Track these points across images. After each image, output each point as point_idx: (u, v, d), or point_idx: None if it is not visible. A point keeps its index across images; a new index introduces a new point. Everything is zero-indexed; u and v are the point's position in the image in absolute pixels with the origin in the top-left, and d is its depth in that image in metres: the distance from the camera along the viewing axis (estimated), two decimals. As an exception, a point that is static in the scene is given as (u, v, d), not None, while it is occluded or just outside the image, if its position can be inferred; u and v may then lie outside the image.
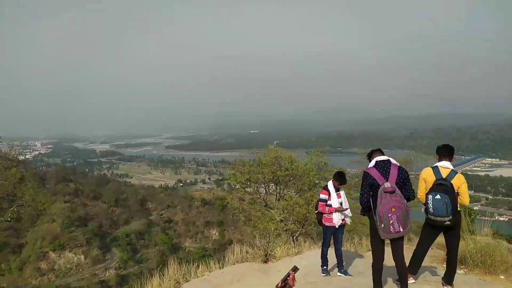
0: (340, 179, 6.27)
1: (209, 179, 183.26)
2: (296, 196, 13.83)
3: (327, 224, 6.30)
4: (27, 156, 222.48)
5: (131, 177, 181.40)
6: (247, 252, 9.52)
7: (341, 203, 6.28)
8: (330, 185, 6.36)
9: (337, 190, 6.33)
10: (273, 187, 15.63)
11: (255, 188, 15.49)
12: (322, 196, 6.33)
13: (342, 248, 6.63)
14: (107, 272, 60.88)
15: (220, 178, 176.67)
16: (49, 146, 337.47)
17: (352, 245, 9.86)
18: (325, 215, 6.31)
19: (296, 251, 8.76)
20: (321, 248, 6.51)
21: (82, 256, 61.78)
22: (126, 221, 78.73)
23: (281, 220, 14.00)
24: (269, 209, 14.72)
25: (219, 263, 8.81)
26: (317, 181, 13.91)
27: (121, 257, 64.67)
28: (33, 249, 59.23)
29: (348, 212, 6.38)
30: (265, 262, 8.59)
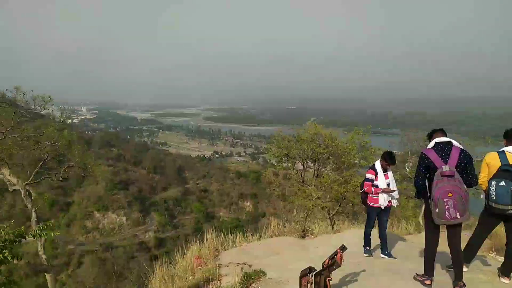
0: (389, 159, 6.03)
1: (245, 152, 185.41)
2: (335, 174, 13.63)
3: (372, 204, 6.17)
4: (74, 120, 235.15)
5: (169, 146, 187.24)
6: (284, 226, 9.65)
7: (388, 184, 6.10)
8: (378, 164, 6.17)
9: (384, 170, 6.12)
10: (311, 164, 15.51)
11: (292, 164, 15.45)
12: (369, 175, 6.17)
13: None
14: (146, 234, 64.37)
15: (256, 151, 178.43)
16: (94, 111, 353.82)
17: (392, 227, 9.69)
18: (370, 195, 6.16)
19: (334, 229, 8.73)
20: (364, 228, 6.44)
21: (124, 218, 65.61)
22: (164, 187, 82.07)
23: (318, 197, 13.94)
24: (306, 185, 14.68)
25: (256, 234, 9.01)
26: (357, 161, 13.61)
27: (159, 221, 67.96)
28: (79, 208, 63.61)
29: (395, 194, 6.17)
30: (302, 237, 8.67)
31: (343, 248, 4.34)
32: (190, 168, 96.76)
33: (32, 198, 8.86)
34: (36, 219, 8.28)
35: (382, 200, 6.06)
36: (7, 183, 8.87)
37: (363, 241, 6.40)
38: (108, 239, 60.45)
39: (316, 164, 14.52)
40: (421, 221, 15.32)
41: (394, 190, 6.16)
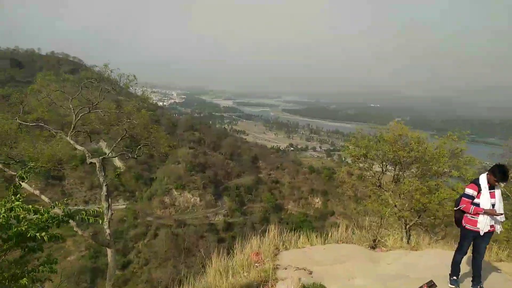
0: (500, 174, 4.77)
1: (320, 147, 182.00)
2: (418, 182, 12.12)
3: (468, 227, 5.01)
4: (164, 103, 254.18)
5: (247, 134, 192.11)
6: (353, 233, 8.78)
7: (493, 205, 4.88)
8: (483, 179, 4.96)
9: (491, 187, 4.91)
10: (391, 167, 14.10)
11: (369, 165, 14.20)
12: (469, 191, 5.00)
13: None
14: (216, 216, 66.96)
15: (332, 148, 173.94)
16: (183, 96, 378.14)
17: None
18: (468, 215, 5.01)
19: (412, 245, 7.61)
20: (454, 253, 5.29)
21: (198, 198, 68.99)
22: (238, 174, 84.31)
23: (395, 205, 12.62)
24: (383, 190, 13.39)
25: (321, 237, 8.32)
26: (447, 169, 11.92)
27: (229, 206, 70.20)
28: (160, 184, 68.43)
29: (501, 217, 4.95)
30: (373, 248, 7.75)
31: (431, 285, 3.44)
32: (265, 158, 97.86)
33: (106, 172, 9.28)
34: (106, 194, 8.64)
35: (483, 224, 4.88)
36: (87, 155, 9.44)
37: (449, 268, 5.25)
38: (182, 216, 64.17)
39: (397, 168, 13.13)
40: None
41: (501, 214, 4.93)
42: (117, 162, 68.02)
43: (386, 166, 13.40)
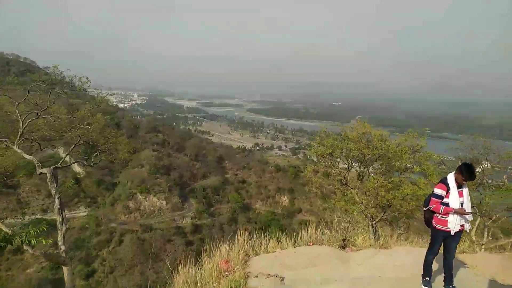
0: (468, 173, 4.78)
1: (286, 146, 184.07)
2: (382, 178, 12.36)
3: (439, 227, 4.98)
4: (125, 105, 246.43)
5: (212, 135, 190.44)
6: (322, 233, 8.70)
7: (462, 203, 4.89)
8: (451, 178, 4.95)
9: (459, 186, 4.91)
10: (356, 164, 14.32)
11: (335, 163, 14.32)
12: (438, 191, 4.96)
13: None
14: (183, 219, 65.65)
15: (297, 146, 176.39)
16: (144, 97, 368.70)
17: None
18: (437, 215, 4.98)
19: (381, 243, 7.62)
20: (425, 254, 5.25)
21: (164, 202, 67.26)
22: (204, 175, 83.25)
23: (361, 202, 12.80)
24: (349, 188, 13.55)
25: (291, 239, 8.17)
26: (409, 165, 12.24)
27: (197, 208, 69.07)
28: (123, 189, 66.07)
29: (470, 216, 4.96)
30: (343, 248, 7.70)
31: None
32: (231, 158, 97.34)
33: (59, 183, 8.53)
34: (59, 207, 7.89)
35: (453, 223, 4.87)
36: (36, 165, 8.63)
37: (421, 266, 5.21)
38: (148, 221, 62.36)
39: (362, 165, 13.34)
40: (475, 237, 13.64)
41: (470, 213, 4.95)
42: (76, 168, 64.93)
43: (352, 163, 13.59)
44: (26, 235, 3.19)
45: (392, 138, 13.73)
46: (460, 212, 4.83)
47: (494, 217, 14.14)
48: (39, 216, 53.67)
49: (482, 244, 13.16)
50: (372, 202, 13.20)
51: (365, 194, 12.95)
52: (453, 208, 4.84)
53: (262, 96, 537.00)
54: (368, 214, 12.43)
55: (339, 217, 12.32)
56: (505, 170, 15.45)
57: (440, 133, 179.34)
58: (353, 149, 12.27)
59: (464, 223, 4.97)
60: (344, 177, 13.38)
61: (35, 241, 3.15)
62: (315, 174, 18.22)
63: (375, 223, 13.12)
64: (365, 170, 13.72)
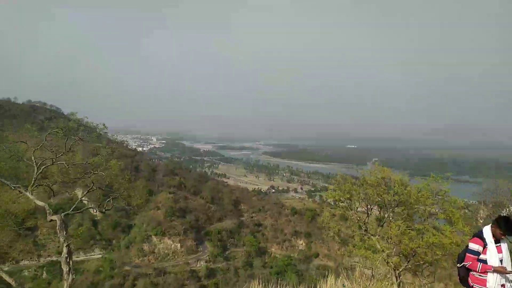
0: (507, 226, 4.29)
1: (301, 188, 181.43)
2: (404, 225, 11.63)
3: (476, 287, 4.43)
4: (144, 149, 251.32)
5: (228, 178, 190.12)
6: (344, 286, 8.06)
7: (501, 260, 4.34)
8: (487, 232, 4.45)
9: (497, 241, 4.39)
10: (376, 211, 13.65)
11: (353, 207, 13.69)
12: (474, 246, 4.46)
13: None
14: (198, 263, 63.91)
15: (313, 189, 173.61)
16: (163, 141, 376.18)
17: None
18: (474, 273, 4.44)
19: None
20: None
21: (179, 245, 66.04)
22: (220, 218, 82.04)
23: (383, 250, 12.02)
24: (369, 234, 12.82)
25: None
26: (433, 210, 11.55)
27: (212, 251, 67.38)
28: (139, 231, 65.44)
29: (511, 275, 4.35)
30: (366, 303, 7.04)
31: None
32: (246, 201, 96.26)
33: (67, 231, 8.28)
34: (66, 255, 7.57)
35: (492, 282, 4.29)
36: (47, 211, 8.48)
37: None
38: (162, 264, 60.94)
39: (382, 211, 12.68)
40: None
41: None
42: (93, 210, 65.16)
43: (371, 208, 12.96)
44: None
45: (412, 182, 13.16)
46: (501, 271, 4.26)
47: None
48: (54, 259, 53.06)
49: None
50: (394, 249, 12.40)
51: (387, 241, 12.19)
52: (492, 266, 4.28)
53: (277, 139, 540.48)
54: (391, 263, 11.60)
55: (361, 266, 11.56)
56: None
57: (459, 176, 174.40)
58: (372, 194, 11.72)
59: (505, 282, 4.37)
60: (364, 223, 12.70)
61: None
62: (332, 218, 17.51)
63: (398, 273, 12.23)
64: (385, 215, 13.05)
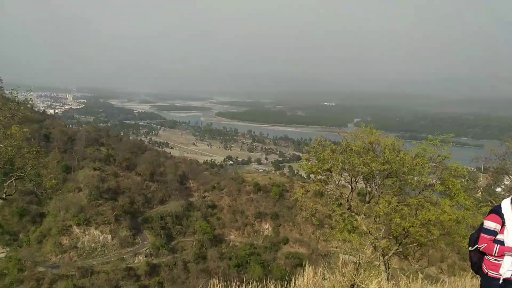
0: None
1: (267, 159, 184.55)
2: (395, 200, 12.12)
3: (492, 274, 4.41)
4: (56, 111, 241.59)
5: (172, 147, 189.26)
6: (324, 278, 8.31)
7: None
8: (507, 207, 4.45)
9: None
10: (361, 184, 14.09)
11: (331, 178, 14.00)
12: (490, 224, 4.44)
13: None
14: (136, 258, 64.09)
15: (281, 159, 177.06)
16: (82, 100, 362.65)
17: None
18: (490, 257, 4.45)
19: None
20: None
21: (109, 236, 65.54)
22: (162, 200, 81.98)
23: (369, 232, 12.54)
24: (354, 213, 13.29)
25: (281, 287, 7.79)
26: (429, 182, 12.10)
27: (153, 242, 67.65)
28: (55, 220, 63.91)
29: None
30: (352, 298, 7.34)
31: None
32: (196, 176, 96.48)
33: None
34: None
35: (508, 267, 4.29)
36: None
37: None
38: (88, 261, 60.41)
39: (370, 184, 13.12)
40: None
41: None
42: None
43: (356, 182, 13.35)
44: None
45: (407, 147, 13.60)
46: None
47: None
48: None
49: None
50: (383, 231, 12.97)
51: (375, 221, 12.72)
52: (511, 248, 4.32)
53: (235, 95, 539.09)
54: (379, 247, 12.16)
55: (342, 252, 12.02)
56: None
57: (457, 138, 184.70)
58: (358, 164, 12.01)
59: None
60: (347, 200, 13.10)
61: None
62: (305, 194, 17.91)
63: (387, 258, 12.87)
64: (373, 190, 13.51)
